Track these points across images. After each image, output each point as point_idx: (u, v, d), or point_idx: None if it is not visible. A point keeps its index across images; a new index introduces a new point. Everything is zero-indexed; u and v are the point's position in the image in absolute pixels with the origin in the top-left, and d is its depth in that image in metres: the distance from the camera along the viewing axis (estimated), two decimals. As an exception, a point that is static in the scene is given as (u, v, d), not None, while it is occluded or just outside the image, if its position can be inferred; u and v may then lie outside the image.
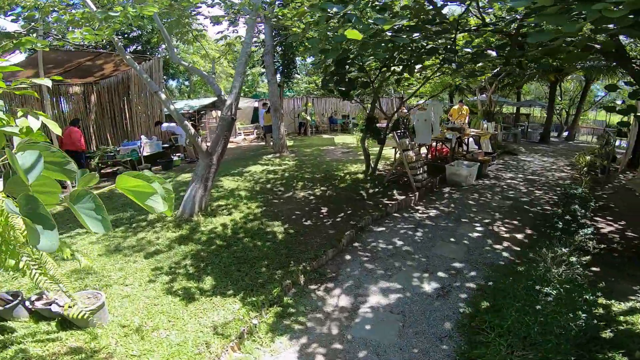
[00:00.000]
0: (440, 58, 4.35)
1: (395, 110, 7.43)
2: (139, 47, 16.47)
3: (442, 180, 7.63)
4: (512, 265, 4.27)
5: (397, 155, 9.19)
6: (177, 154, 11.27)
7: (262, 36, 12.25)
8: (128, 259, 4.41)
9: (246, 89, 29.96)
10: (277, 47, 12.28)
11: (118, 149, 10.26)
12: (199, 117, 14.97)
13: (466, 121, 11.19)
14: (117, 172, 9.30)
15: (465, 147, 9.13)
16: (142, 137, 10.59)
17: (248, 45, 5.40)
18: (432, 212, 5.95)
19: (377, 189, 6.93)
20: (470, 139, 9.33)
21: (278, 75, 12.35)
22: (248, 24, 5.24)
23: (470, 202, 6.50)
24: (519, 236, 5.12)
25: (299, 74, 20.10)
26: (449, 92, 17.83)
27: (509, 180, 7.96)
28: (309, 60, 23.21)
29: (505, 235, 5.17)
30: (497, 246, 4.82)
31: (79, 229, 5.27)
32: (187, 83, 26.50)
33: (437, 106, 7.78)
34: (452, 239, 5.00)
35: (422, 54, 4.27)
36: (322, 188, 7.07)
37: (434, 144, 9.02)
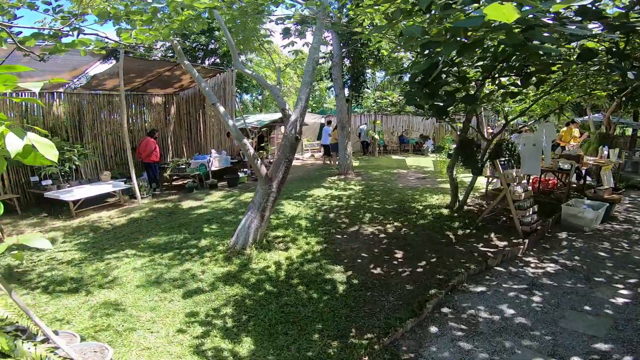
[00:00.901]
0: (599, 64, 3.02)
1: (497, 132, 5.96)
2: (217, 60, 17.11)
3: (555, 221, 5.89)
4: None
5: (490, 186, 7.62)
6: (244, 170, 11.06)
7: (329, 48, 11.71)
8: (165, 295, 3.81)
9: (313, 104, 29.92)
10: (345, 59, 11.54)
11: (190, 162, 10.38)
12: (268, 131, 14.93)
13: (579, 146, 9.01)
14: (185, 185, 9.31)
15: (583, 181, 7.17)
16: (213, 151, 10.59)
17: (315, 50, 4.63)
18: (550, 267, 4.38)
19: (468, 230, 5.52)
20: (607, 172, 7.31)
21: (346, 90, 11.55)
22: (316, 25, 4.49)
23: (601, 253, 4.74)
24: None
25: (368, 88, 19.21)
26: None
27: (647, 227, 5.86)
28: (381, 74, 22.28)
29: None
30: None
31: (128, 250, 4.92)
32: (260, 97, 27.33)
33: (549, 128, 6.11)
34: (587, 307, 3.47)
35: (561, 59, 3.01)
36: (395, 224, 5.90)
37: (542, 175, 7.25)
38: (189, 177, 9.51)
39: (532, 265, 4.45)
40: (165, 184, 9.78)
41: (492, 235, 5.33)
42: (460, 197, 6.42)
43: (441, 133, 18.27)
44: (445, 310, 3.51)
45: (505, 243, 5.04)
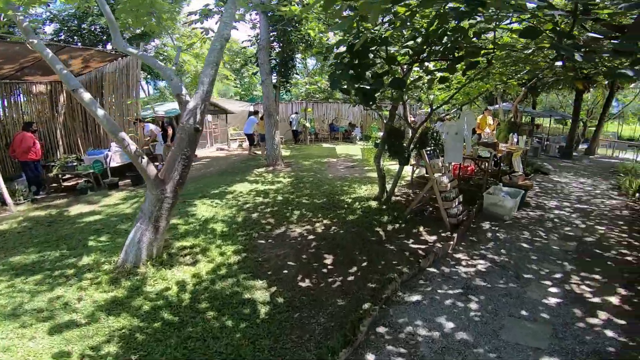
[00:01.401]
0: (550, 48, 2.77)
1: (423, 120, 5.78)
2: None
3: (477, 210, 6.00)
4: (628, 353, 2.73)
5: (416, 173, 7.62)
6: (156, 164, 9.61)
7: (257, 31, 10.74)
8: (24, 331, 2.85)
9: (242, 92, 28.41)
10: (274, 43, 10.70)
11: (82, 159, 8.61)
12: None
13: (493, 133, 9.61)
14: (77, 186, 7.65)
15: (498, 167, 7.55)
16: (112, 144, 8.92)
17: (226, 26, 3.78)
18: (481, 264, 4.29)
19: (397, 225, 5.28)
20: (517, 159, 7.74)
21: (274, 75, 10.73)
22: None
23: (524, 245, 4.86)
24: (614, 300, 3.52)
25: (298, 74, 18.51)
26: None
27: (557, 211, 6.33)
28: (312, 61, 21.70)
29: (594, 299, 3.56)
30: (593, 320, 3.22)
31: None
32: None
33: (470, 116, 6.17)
34: (523, 312, 3.37)
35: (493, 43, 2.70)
36: (325, 221, 5.41)
37: (463, 163, 7.44)
38: (82, 176, 7.86)
39: (464, 263, 4.31)
40: (54, 185, 7.98)
41: (421, 228, 5.17)
42: (388, 187, 6.20)
43: (368, 121, 18.49)
44: (381, 330, 3.07)
45: (434, 238, 4.89)
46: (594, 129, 16.20)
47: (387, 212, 5.64)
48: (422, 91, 5.89)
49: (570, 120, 19.70)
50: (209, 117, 15.34)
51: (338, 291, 3.56)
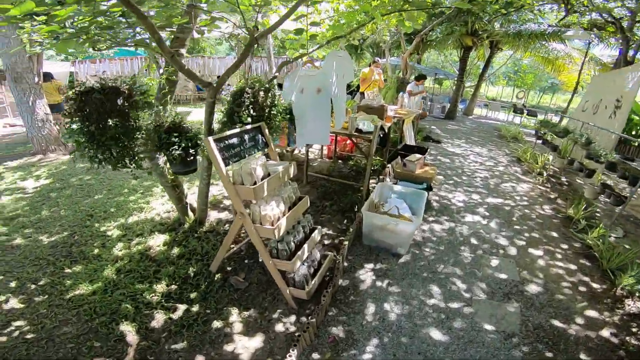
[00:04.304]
0: None
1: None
2: None
3: (354, 236, 3.32)
4: None
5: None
6: None
7: None
8: None
9: None
10: None
11: None
12: None
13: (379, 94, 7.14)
14: None
15: (386, 146, 5.05)
16: None
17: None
18: None
19: (196, 307, 2.19)
20: (409, 125, 5.30)
21: None
22: None
23: (435, 332, 2.35)
24: None
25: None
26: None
27: (469, 218, 4.13)
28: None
29: None
30: None
31: None
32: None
33: (343, 61, 3.22)
34: None
35: None
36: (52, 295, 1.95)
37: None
38: None
39: None
40: None
41: (235, 315, 2.22)
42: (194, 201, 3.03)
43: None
44: None
45: (259, 340, 1.98)
46: (471, 90, 15.84)
47: (182, 266, 2.48)
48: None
49: (450, 80, 19.60)
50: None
51: None
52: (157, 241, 3.02)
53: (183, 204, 3.22)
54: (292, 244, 2.22)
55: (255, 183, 2.06)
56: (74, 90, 1.88)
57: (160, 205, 3.73)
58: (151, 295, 2.35)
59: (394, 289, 2.71)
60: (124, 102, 2.02)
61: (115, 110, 2.00)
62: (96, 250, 2.86)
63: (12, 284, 2.42)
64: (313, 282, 2.34)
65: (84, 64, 11.16)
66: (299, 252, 2.19)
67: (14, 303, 2.24)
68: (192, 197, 3.47)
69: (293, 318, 2.31)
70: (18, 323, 2.07)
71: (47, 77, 6.65)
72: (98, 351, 1.95)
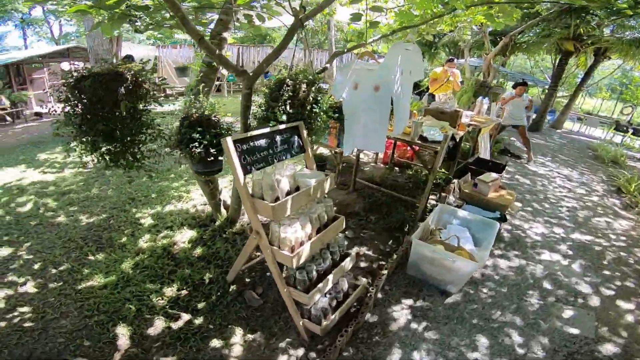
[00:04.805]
0: None
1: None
2: None
3: (396, 264, 2.80)
4: None
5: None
6: None
7: None
8: None
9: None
10: None
11: None
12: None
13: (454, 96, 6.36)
14: None
15: (455, 160, 4.34)
16: None
17: None
18: None
19: (202, 308, 1.95)
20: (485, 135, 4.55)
21: None
22: None
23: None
24: None
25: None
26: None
27: (546, 256, 3.32)
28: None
29: None
30: None
31: None
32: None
33: (412, 55, 2.70)
34: None
35: None
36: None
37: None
38: None
39: None
40: None
41: (239, 337, 1.91)
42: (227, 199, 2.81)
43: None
44: None
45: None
46: (563, 100, 13.71)
47: (199, 270, 2.27)
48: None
49: (539, 88, 17.24)
50: (66, 64, 10.64)
51: None
52: (184, 237, 2.85)
53: (216, 200, 3.02)
54: (314, 272, 1.82)
55: (277, 198, 1.70)
56: (69, 75, 1.70)
57: (200, 196, 3.60)
58: (158, 299, 2.15)
59: (430, 334, 2.16)
60: (127, 91, 1.78)
61: (110, 101, 1.76)
62: (124, 239, 2.78)
63: (36, 266, 2.42)
64: (333, 316, 1.92)
65: (166, 49, 11.97)
66: (320, 284, 1.79)
67: (29, 287, 2.21)
68: (227, 193, 3.27)
69: (301, 352, 1.92)
70: (23, 309, 2.02)
71: (128, 59, 7.13)
72: (85, 351, 1.80)
